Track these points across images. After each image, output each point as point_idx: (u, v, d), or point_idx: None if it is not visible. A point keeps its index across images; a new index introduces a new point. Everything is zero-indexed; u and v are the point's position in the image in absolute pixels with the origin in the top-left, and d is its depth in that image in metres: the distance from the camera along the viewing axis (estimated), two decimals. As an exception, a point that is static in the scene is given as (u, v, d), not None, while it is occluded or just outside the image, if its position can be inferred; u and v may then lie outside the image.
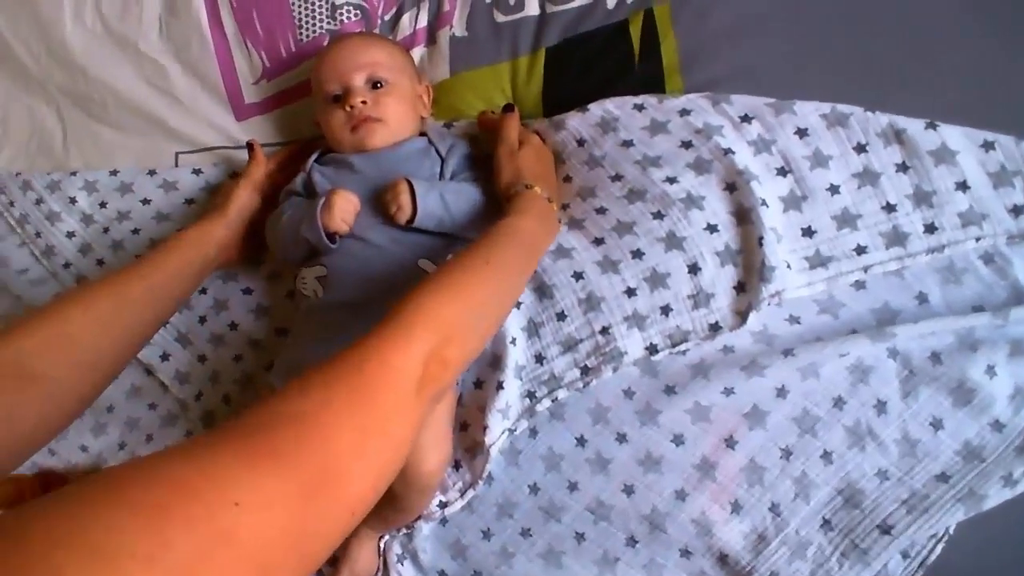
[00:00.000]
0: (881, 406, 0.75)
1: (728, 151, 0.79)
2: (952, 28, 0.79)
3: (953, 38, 0.79)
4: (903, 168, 0.76)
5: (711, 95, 0.82)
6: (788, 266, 0.76)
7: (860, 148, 0.77)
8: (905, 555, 0.74)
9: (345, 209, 0.80)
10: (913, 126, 0.76)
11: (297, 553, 0.39)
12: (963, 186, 0.75)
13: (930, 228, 0.75)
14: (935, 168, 0.76)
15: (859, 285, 0.77)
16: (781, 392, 0.75)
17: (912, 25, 0.79)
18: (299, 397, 0.46)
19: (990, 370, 0.73)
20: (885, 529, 0.73)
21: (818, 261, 0.77)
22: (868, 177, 0.77)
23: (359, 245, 0.81)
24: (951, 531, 0.74)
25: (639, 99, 0.84)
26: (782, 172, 0.79)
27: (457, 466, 0.82)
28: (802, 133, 0.79)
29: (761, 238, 0.75)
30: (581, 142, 0.85)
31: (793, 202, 0.78)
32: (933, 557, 0.74)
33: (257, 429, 0.42)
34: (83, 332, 0.70)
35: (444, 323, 0.56)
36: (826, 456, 0.75)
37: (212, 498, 0.35)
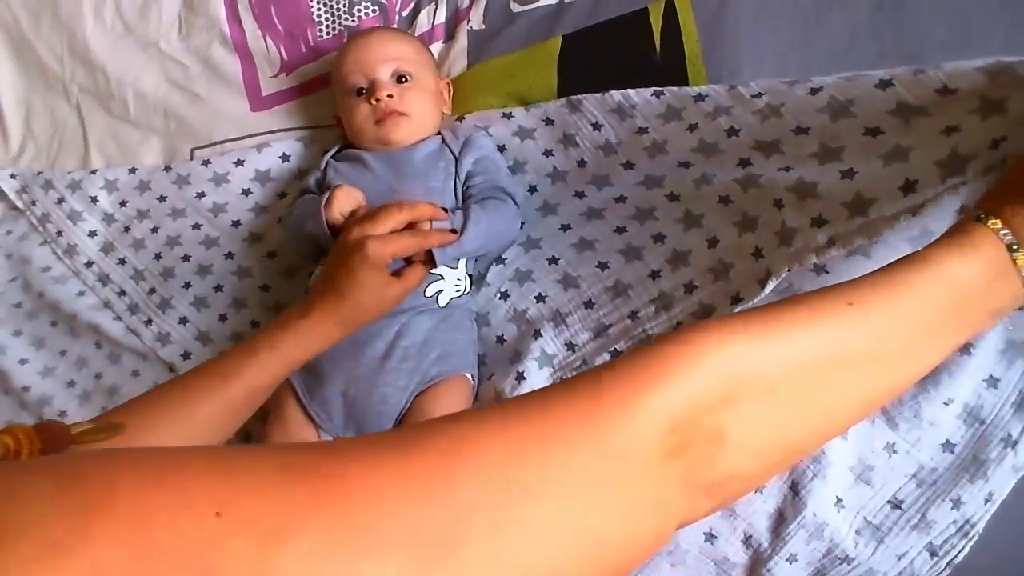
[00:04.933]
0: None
1: (732, 130, 0.75)
2: (990, 18, 0.76)
3: (991, 29, 0.76)
4: None
5: (731, 85, 0.77)
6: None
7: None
8: (933, 553, 0.73)
9: (344, 202, 0.80)
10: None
11: None
12: None
13: None
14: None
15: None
16: None
17: (945, 11, 0.76)
18: (542, 398, 0.38)
19: None
20: (895, 504, 0.72)
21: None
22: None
23: None
24: (980, 531, 0.72)
25: (660, 89, 0.80)
26: (801, 131, 0.71)
27: None
28: (815, 91, 0.71)
29: (778, 200, 0.71)
30: (597, 126, 0.83)
31: (825, 156, 0.70)
32: (961, 556, 0.72)
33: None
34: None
35: (739, 367, 0.38)
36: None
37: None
